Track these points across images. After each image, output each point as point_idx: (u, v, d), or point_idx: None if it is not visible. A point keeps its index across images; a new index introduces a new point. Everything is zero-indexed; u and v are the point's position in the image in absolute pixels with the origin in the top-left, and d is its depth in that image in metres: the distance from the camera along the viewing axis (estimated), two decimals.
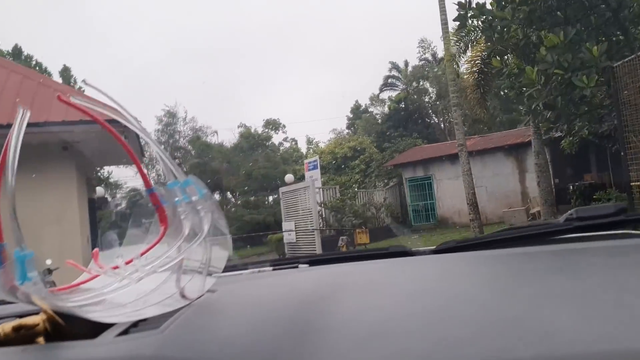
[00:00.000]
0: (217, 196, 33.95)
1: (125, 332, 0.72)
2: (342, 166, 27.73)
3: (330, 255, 1.44)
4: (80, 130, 7.24)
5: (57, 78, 26.55)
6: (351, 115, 40.64)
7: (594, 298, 0.66)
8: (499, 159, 19.77)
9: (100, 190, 15.81)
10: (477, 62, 15.45)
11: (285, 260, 1.38)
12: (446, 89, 28.70)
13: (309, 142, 40.41)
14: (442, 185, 21.25)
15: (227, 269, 1.03)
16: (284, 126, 39.91)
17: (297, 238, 17.14)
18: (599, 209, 1.14)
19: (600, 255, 0.97)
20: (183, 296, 0.86)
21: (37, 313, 0.74)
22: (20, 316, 0.76)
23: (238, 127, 37.67)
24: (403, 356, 0.54)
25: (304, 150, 40.55)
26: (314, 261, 1.31)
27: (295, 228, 17.95)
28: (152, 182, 0.93)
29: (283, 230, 18.83)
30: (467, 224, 16.50)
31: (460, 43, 15.54)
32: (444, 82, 28.24)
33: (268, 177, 30.96)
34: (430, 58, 34.85)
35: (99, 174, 23.50)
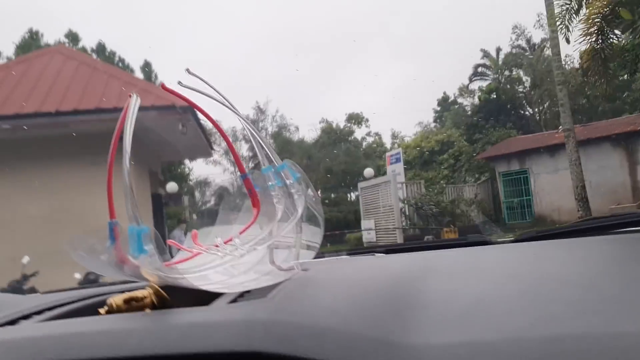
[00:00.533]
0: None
1: (234, 301, 0.77)
2: (430, 161, 26.61)
3: (405, 245, 1.57)
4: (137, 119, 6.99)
5: (139, 74, 26.23)
6: (438, 108, 39.26)
7: None
8: (605, 149, 17.80)
9: (172, 185, 14.98)
10: (595, 20, 12.11)
11: (361, 249, 1.42)
12: (542, 78, 25.91)
13: (394, 136, 38.97)
14: (539, 179, 19.20)
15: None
16: (367, 120, 38.42)
17: (377, 237, 15.48)
18: None
19: None
20: (280, 272, 0.89)
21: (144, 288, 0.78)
22: (130, 291, 0.79)
23: (320, 122, 37.11)
24: (502, 328, 0.55)
25: (388, 144, 38.93)
26: (390, 250, 1.32)
27: (375, 227, 16.32)
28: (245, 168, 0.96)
29: (362, 228, 17.24)
30: (569, 222, 14.19)
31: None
32: (539, 70, 25.59)
33: (348, 173, 30.04)
34: (524, 44, 31.94)
35: (174, 168, 22.73)
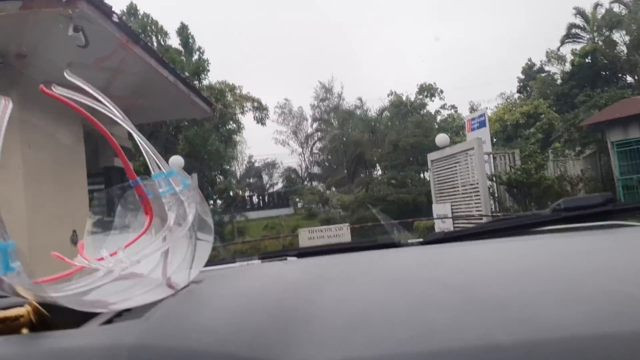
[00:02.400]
0: (359, 172, 30.19)
1: (109, 321, 0.75)
2: (514, 136, 24.43)
3: (318, 248, 1.46)
4: None
5: (174, 37, 25.56)
6: (523, 77, 34.74)
7: (576, 284, 0.68)
8: None
9: (176, 160, 11.46)
10: None
11: (273, 253, 1.38)
12: None
13: (472, 109, 33.96)
14: None
15: (216, 262, 1.13)
16: (441, 91, 35.23)
17: (455, 226, 10.79)
18: (586, 199, 1.17)
19: (585, 242, 1.01)
20: (168, 286, 0.87)
21: (22, 305, 0.77)
22: (5, 308, 0.78)
23: (388, 95, 34.31)
24: (383, 343, 0.55)
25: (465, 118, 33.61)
26: (302, 253, 1.34)
27: (453, 213, 11.69)
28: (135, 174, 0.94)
29: (434, 215, 12.65)
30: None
31: None
32: None
33: (419, 148, 26.19)
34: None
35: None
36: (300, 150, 39.47)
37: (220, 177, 24.64)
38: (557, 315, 0.56)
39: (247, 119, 33.64)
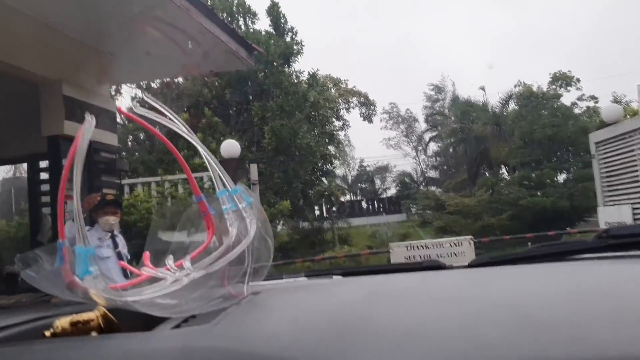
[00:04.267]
0: (482, 172, 26.58)
1: (177, 326, 0.81)
2: None
3: (364, 269, 1.50)
4: None
5: (263, 16, 22.59)
6: None
7: (625, 307, 0.70)
8: None
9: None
10: None
11: (318, 272, 1.41)
12: None
13: (616, 100, 27.62)
14: None
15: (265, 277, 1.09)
16: (578, 80, 29.79)
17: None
18: (632, 227, 1.17)
19: (630, 269, 1.02)
20: (229, 296, 0.93)
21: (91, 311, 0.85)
22: (76, 313, 0.86)
23: (515, 86, 30.07)
24: (438, 355, 0.57)
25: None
26: (347, 273, 1.34)
27: (634, 215, 7.22)
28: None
29: (602, 223, 8.27)
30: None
31: None
32: None
33: (558, 141, 22.51)
34: None
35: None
36: (414, 153, 37.41)
37: (322, 178, 21.27)
38: (608, 336, 0.58)
39: (354, 118, 30.27)
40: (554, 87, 29.88)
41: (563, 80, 29.97)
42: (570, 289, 0.84)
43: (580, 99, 30.32)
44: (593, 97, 30.84)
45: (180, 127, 0.95)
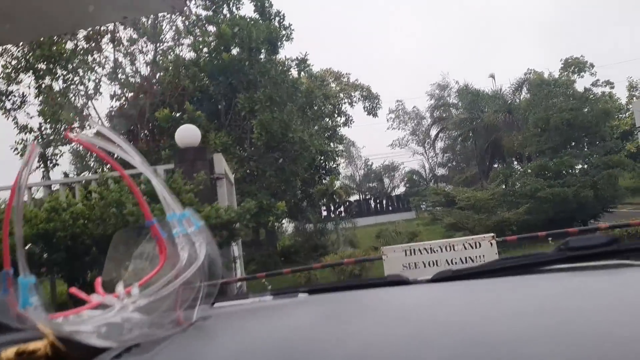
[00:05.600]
0: (494, 163, 25.53)
1: (118, 356, 0.80)
2: None
3: (330, 285, 1.48)
4: None
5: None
6: None
7: (569, 324, 0.70)
8: None
9: None
10: None
11: (285, 290, 1.37)
12: None
13: (631, 86, 25.80)
14: None
15: (230, 297, 1.17)
16: (592, 66, 28.62)
17: None
18: (591, 239, 1.18)
19: (585, 282, 1.04)
20: (177, 323, 0.92)
21: (41, 339, 0.85)
22: (25, 341, 0.84)
23: (525, 74, 28.65)
24: None
25: (623, 100, 29.28)
26: (313, 290, 1.33)
27: None
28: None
29: None
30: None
31: None
32: None
33: (577, 126, 20.64)
34: None
35: None
36: (422, 150, 37.36)
37: (325, 176, 19.61)
38: (543, 354, 0.59)
39: (360, 117, 28.61)
40: (566, 73, 28.71)
41: (575, 66, 29.00)
42: (516, 307, 0.86)
43: (594, 84, 29.29)
44: (609, 82, 29.31)
45: (132, 157, 0.94)
